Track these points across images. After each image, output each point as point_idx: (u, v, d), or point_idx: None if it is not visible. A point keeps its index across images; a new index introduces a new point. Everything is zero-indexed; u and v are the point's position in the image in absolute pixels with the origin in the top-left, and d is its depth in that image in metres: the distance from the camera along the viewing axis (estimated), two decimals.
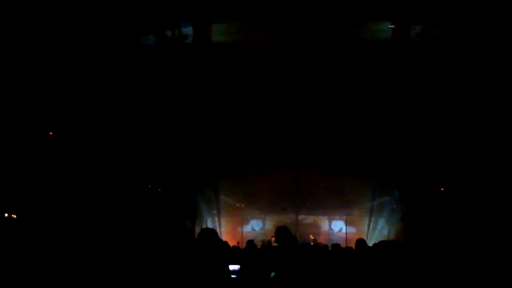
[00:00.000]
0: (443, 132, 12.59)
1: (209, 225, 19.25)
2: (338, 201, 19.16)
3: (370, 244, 9.52)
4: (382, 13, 10.19)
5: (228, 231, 20.10)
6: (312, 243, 16.74)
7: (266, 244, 16.60)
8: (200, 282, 5.13)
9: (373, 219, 19.62)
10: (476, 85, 10.61)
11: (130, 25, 10.13)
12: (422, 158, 14.29)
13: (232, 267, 6.96)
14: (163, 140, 14.01)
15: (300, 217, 20.36)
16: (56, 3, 8.95)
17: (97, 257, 6.47)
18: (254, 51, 11.04)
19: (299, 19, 10.35)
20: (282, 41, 10.80)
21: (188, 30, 10.95)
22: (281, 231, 6.18)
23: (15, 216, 11.56)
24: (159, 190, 16.97)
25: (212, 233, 4.79)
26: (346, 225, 20.37)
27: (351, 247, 9.66)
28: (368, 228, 19.55)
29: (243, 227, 20.56)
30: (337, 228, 20.57)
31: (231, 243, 16.15)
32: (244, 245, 11.96)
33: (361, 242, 7.51)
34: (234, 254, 9.02)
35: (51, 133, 11.49)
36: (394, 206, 18.49)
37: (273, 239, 17.84)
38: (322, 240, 18.66)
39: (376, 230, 19.08)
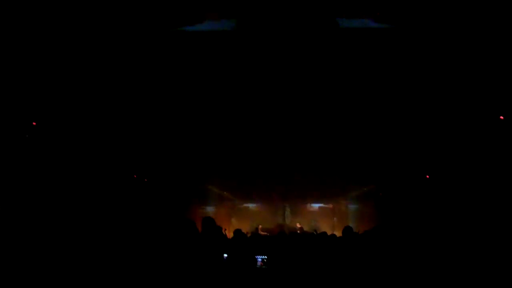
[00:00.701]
0: (427, 122, 12.68)
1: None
2: (325, 190, 19.26)
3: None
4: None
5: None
6: (299, 231, 16.85)
7: (254, 233, 16.69)
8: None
9: (359, 207, 19.80)
10: (455, 76, 10.68)
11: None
12: (407, 146, 14.39)
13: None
14: (152, 133, 13.97)
15: (287, 205, 20.42)
16: None
17: (89, 247, 6.43)
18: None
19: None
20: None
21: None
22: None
23: None
24: (145, 180, 16.90)
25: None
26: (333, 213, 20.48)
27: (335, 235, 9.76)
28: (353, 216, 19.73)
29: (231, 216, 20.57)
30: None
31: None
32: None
33: (348, 229, 7.56)
34: (221, 242, 9.00)
35: (34, 123, 11.35)
36: (380, 194, 18.64)
37: (260, 227, 18.06)
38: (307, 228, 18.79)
39: (361, 218, 19.23)
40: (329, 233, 8.72)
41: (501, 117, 10.32)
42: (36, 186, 11.33)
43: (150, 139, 14.61)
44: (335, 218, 20.08)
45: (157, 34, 10.63)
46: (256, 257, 6.97)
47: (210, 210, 20.00)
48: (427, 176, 14.99)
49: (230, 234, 14.35)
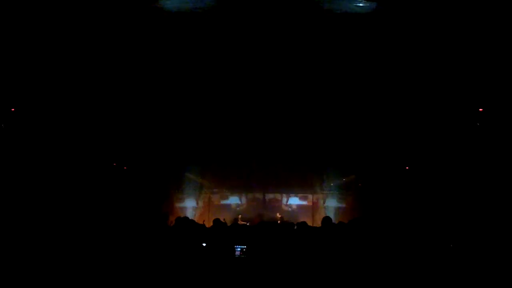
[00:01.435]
0: (406, 111, 12.74)
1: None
2: (305, 180, 19.30)
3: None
4: None
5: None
6: (279, 221, 16.84)
7: (233, 222, 16.62)
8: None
9: (339, 197, 19.89)
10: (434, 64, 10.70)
11: None
12: (386, 137, 14.47)
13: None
14: (133, 122, 13.80)
15: (267, 196, 20.43)
16: None
17: (67, 233, 6.33)
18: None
19: None
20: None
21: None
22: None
23: None
24: (124, 168, 16.73)
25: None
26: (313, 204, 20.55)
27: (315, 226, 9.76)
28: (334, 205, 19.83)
29: (210, 206, 20.50)
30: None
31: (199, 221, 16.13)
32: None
33: (327, 220, 7.56)
34: (201, 232, 8.94)
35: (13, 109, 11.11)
36: (360, 184, 18.77)
37: (240, 217, 18.03)
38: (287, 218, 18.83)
39: (342, 208, 19.34)
40: (309, 223, 8.72)
41: (480, 109, 10.41)
42: (13, 171, 11.14)
43: (131, 128, 14.44)
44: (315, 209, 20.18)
45: (135, 17, 10.41)
46: (235, 246, 6.91)
47: (188, 198, 19.91)
48: (407, 168, 15.11)
49: (209, 224, 14.28)
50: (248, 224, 17.08)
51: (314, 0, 10.19)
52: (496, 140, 10.01)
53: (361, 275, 5.58)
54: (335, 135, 15.72)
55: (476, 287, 5.37)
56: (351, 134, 15.35)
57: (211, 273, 5.86)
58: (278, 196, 20.69)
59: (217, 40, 11.13)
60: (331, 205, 19.91)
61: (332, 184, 19.91)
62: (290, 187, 20.12)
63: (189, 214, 18.72)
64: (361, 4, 10.13)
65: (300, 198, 20.71)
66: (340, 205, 19.56)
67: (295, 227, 9.18)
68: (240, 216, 18.52)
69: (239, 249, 7.02)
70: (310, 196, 20.51)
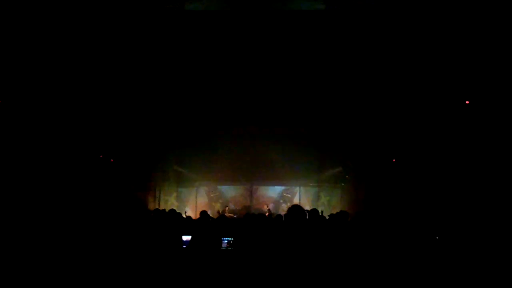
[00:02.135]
0: (393, 103, 12.76)
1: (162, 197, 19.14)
2: (292, 172, 19.29)
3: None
4: None
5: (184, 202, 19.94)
6: (267, 214, 16.84)
7: (220, 215, 16.59)
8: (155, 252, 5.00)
9: (326, 189, 19.92)
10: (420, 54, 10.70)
11: None
12: (374, 129, 14.49)
13: (185, 237, 6.85)
14: (118, 109, 13.65)
15: (254, 187, 20.40)
16: None
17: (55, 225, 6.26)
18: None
19: None
20: None
21: None
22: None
23: None
24: (111, 160, 16.58)
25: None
26: (300, 195, 20.56)
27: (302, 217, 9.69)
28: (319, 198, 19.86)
29: (197, 198, 20.44)
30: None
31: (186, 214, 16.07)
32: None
33: (313, 212, 7.55)
34: (187, 224, 8.89)
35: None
36: (347, 176, 18.80)
37: (227, 209, 18.01)
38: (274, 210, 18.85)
39: (328, 200, 19.38)
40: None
41: (467, 102, 10.45)
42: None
43: (118, 120, 14.31)
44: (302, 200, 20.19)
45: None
46: (222, 239, 6.87)
47: (175, 191, 19.83)
48: (393, 160, 15.17)
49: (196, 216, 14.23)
50: (235, 216, 17.07)
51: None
52: (483, 131, 10.08)
53: (348, 266, 5.57)
54: (322, 127, 15.71)
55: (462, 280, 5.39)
56: (338, 126, 15.35)
57: (197, 265, 5.81)
58: (265, 188, 20.66)
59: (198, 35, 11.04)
60: (318, 197, 19.95)
61: (319, 176, 19.92)
62: (277, 180, 20.08)
63: (176, 206, 18.65)
64: None
65: (287, 191, 20.70)
66: (327, 197, 19.59)
67: (283, 219, 9.18)
68: (227, 208, 18.50)
69: (226, 241, 6.99)
70: (296, 188, 20.51)
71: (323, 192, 19.94)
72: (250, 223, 6.98)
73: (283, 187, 20.62)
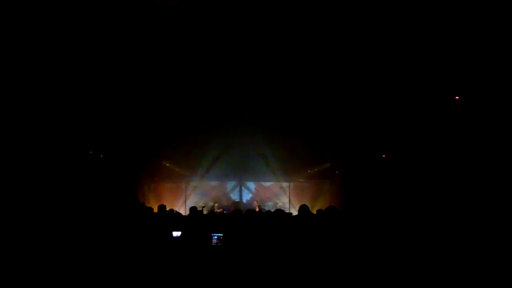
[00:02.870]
0: (383, 98, 12.80)
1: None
2: (282, 168, 19.36)
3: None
4: None
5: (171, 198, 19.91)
6: (257, 210, 16.90)
7: (210, 211, 16.62)
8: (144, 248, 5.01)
9: (314, 185, 20.02)
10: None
11: None
12: (363, 125, 14.55)
13: (175, 233, 6.86)
14: (105, 105, 13.56)
15: (244, 183, 20.47)
16: None
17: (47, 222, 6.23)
18: None
19: None
20: None
21: None
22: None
23: None
24: (101, 156, 16.50)
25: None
26: (289, 191, 20.64)
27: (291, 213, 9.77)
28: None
29: (186, 194, 20.43)
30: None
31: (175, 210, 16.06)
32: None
33: (303, 208, 7.58)
34: (176, 220, 8.90)
35: None
36: (336, 172, 18.89)
37: (216, 205, 18.02)
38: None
39: (318, 197, 19.48)
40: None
41: (457, 97, 10.52)
42: None
43: (107, 116, 14.22)
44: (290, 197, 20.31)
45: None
46: (212, 234, 6.90)
47: (164, 186, 19.82)
48: (383, 156, 15.25)
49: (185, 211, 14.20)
50: (224, 212, 17.11)
51: None
52: (475, 127, 10.15)
53: (338, 260, 5.62)
54: (311, 123, 15.74)
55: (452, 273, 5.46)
56: (327, 122, 15.39)
57: (188, 261, 5.83)
58: (254, 184, 20.72)
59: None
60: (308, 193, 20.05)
61: (308, 172, 20.02)
62: (266, 175, 20.13)
63: (165, 201, 18.63)
64: None
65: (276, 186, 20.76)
66: (316, 192, 19.69)
67: (272, 215, 9.22)
68: (216, 204, 18.53)
69: (216, 237, 7.02)
70: (286, 184, 20.59)
71: (312, 187, 20.05)
72: (239, 219, 7.02)
73: (272, 183, 20.68)
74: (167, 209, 9.40)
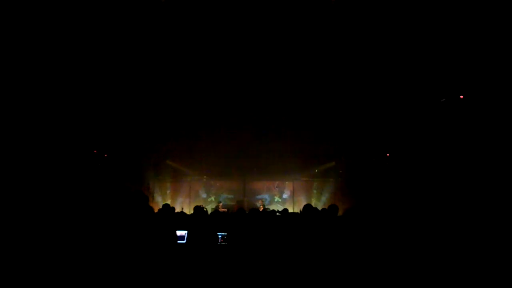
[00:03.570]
0: (387, 97, 12.79)
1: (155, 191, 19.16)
2: (285, 167, 19.35)
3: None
4: None
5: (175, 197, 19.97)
6: (261, 208, 16.90)
7: (214, 210, 16.65)
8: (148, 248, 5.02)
9: (318, 184, 20.03)
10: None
11: None
12: (367, 124, 14.54)
13: (179, 232, 6.89)
14: (109, 104, 13.59)
15: (248, 182, 20.48)
16: None
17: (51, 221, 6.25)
18: None
19: None
20: None
21: None
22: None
23: None
24: (105, 155, 16.56)
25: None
26: (293, 190, 20.64)
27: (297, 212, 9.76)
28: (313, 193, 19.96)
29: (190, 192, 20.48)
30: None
31: (178, 209, 16.11)
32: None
33: (308, 207, 7.60)
34: (181, 220, 8.93)
35: None
36: (340, 171, 18.89)
37: (220, 204, 18.04)
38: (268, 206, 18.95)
39: (321, 195, 19.49)
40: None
41: (461, 96, 10.52)
42: None
43: (111, 115, 14.26)
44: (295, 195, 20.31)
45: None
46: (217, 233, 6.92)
47: (169, 186, 19.87)
48: (387, 155, 15.25)
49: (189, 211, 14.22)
50: (228, 211, 17.13)
51: None
52: (478, 126, 10.15)
53: (342, 260, 5.63)
54: (316, 122, 15.73)
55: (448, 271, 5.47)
56: (331, 120, 15.37)
57: (196, 260, 5.85)
58: (259, 183, 20.73)
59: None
60: (311, 192, 20.06)
61: (313, 171, 20.02)
62: (270, 174, 20.14)
63: (170, 201, 18.69)
64: None
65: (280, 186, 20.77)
66: (321, 192, 19.69)
67: (276, 214, 9.25)
68: (220, 203, 18.56)
69: (219, 236, 7.04)
70: (290, 183, 20.59)
71: (316, 186, 20.05)
72: (243, 218, 7.03)
73: (276, 182, 20.70)
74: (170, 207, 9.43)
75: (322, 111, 14.86)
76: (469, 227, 6.70)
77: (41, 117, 12.06)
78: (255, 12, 10.54)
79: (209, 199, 20.13)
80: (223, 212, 16.40)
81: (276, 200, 20.32)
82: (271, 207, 18.31)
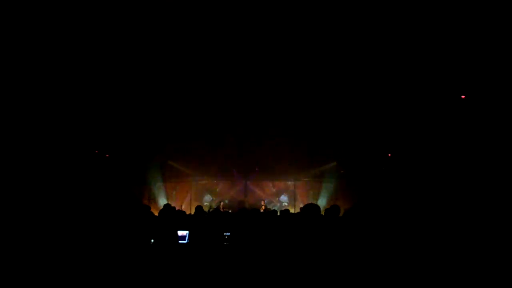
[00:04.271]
0: (388, 97, 12.77)
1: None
2: (286, 167, 19.32)
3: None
4: None
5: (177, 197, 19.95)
6: (262, 209, 16.89)
7: (213, 209, 16.63)
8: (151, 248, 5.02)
9: (319, 184, 19.97)
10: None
11: None
12: (368, 124, 14.52)
13: (180, 232, 6.88)
14: (110, 105, 13.60)
15: (249, 182, 20.44)
16: None
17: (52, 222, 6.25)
18: None
19: None
20: None
21: None
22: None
23: None
24: (107, 155, 16.57)
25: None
26: (295, 190, 20.60)
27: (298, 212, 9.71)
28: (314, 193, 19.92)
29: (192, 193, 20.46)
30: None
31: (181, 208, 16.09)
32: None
33: (308, 206, 7.56)
34: (182, 219, 8.91)
35: None
36: (342, 171, 18.85)
37: (222, 204, 18.02)
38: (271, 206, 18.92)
39: (323, 196, 19.44)
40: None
41: (463, 96, 10.50)
42: None
43: (112, 115, 14.27)
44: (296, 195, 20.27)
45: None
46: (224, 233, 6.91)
47: (170, 186, 19.85)
48: (389, 155, 15.23)
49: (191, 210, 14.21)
50: (230, 211, 17.11)
51: None
52: (479, 126, 10.13)
53: (344, 260, 5.61)
54: (317, 122, 15.72)
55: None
56: (332, 120, 15.36)
57: (200, 260, 5.84)
58: (261, 183, 20.68)
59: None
60: (313, 192, 20.01)
61: (314, 171, 19.97)
62: (271, 175, 20.11)
63: (171, 201, 18.66)
64: None
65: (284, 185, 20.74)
66: (322, 192, 19.64)
67: (278, 214, 9.22)
68: (222, 203, 18.54)
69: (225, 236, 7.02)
70: (291, 183, 20.56)
71: (317, 186, 20.00)
72: (244, 218, 7.02)
73: (277, 182, 20.66)
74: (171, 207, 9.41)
75: (324, 111, 14.85)
76: (470, 227, 6.68)
77: (43, 117, 12.07)
78: (256, 14, 10.55)
79: (210, 200, 20.10)
80: (226, 211, 16.38)
81: (277, 200, 20.27)
82: (273, 207, 18.30)
